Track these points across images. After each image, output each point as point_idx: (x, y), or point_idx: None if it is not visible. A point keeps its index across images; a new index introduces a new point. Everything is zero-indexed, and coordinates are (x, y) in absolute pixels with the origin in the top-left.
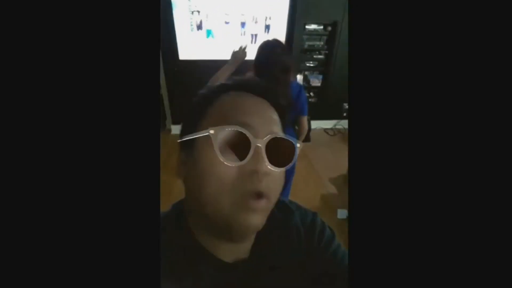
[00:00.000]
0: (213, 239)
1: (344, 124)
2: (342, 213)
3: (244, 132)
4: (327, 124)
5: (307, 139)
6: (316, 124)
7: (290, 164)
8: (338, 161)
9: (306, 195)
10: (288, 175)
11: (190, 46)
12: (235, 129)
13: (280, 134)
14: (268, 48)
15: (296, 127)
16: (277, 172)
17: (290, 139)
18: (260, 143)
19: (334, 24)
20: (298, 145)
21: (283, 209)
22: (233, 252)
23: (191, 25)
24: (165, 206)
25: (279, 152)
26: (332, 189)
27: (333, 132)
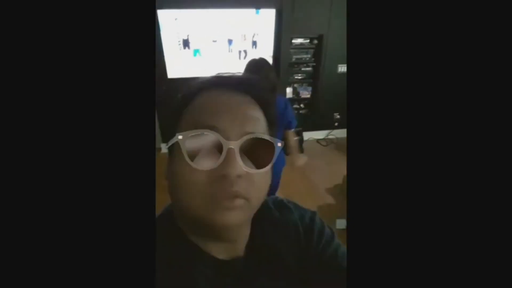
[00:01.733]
0: (204, 238)
1: (336, 133)
2: (341, 223)
3: (215, 135)
4: (319, 134)
5: (300, 150)
6: (308, 135)
7: (270, 165)
8: (333, 171)
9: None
10: (275, 176)
11: (178, 65)
12: (204, 133)
13: (259, 133)
14: (256, 67)
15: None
16: (259, 173)
17: (270, 139)
18: (233, 145)
19: (319, 38)
20: (279, 144)
21: (281, 208)
22: (228, 250)
23: (179, 44)
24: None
25: (257, 153)
26: (330, 200)
27: (326, 142)
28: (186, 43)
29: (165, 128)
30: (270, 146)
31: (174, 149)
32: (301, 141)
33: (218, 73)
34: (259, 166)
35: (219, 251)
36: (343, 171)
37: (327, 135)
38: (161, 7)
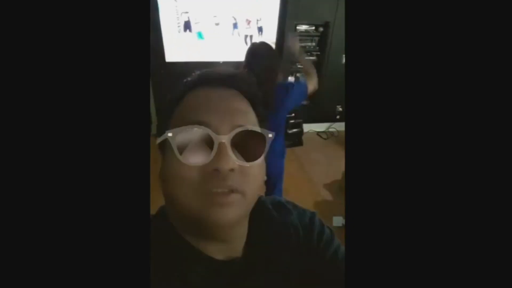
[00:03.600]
0: (200, 238)
1: (337, 127)
2: (338, 221)
3: (205, 131)
4: (320, 127)
5: (299, 142)
6: (308, 127)
7: (262, 156)
8: (332, 166)
9: (299, 202)
10: (277, 174)
11: (178, 48)
12: (194, 128)
13: (249, 126)
14: (258, 52)
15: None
16: (252, 165)
17: (260, 130)
18: (224, 139)
19: (325, 25)
20: (270, 135)
21: (280, 209)
22: (224, 250)
23: (178, 26)
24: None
25: (249, 145)
26: (327, 196)
27: (326, 135)
28: (187, 25)
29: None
30: (261, 138)
31: (166, 147)
32: (300, 133)
33: (203, 70)
34: (251, 158)
35: (215, 251)
36: (343, 166)
37: (328, 128)
38: None
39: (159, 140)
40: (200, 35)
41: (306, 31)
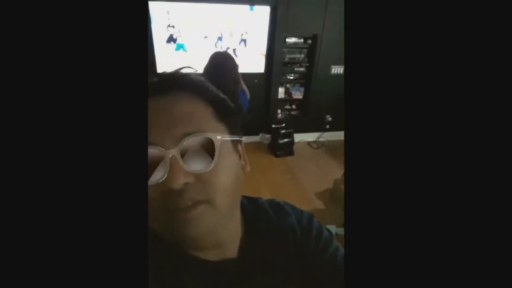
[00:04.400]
0: (187, 247)
1: (327, 136)
2: (331, 229)
3: (154, 149)
4: (310, 137)
5: (290, 152)
6: (299, 137)
7: (215, 160)
8: (324, 175)
9: None
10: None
11: (167, 59)
12: (149, 148)
13: (196, 133)
14: (220, 60)
15: None
16: (209, 171)
17: (208, 135)
18: (173, 153)
19: (314, 37)
20: (218, 137)
21: (278, 210)
22: (218, 253)
23: (169, 38)
24: None
25: (197, 153)
26: (319, 205)
27: (317, 145)
28: (170, 38)
29: None
30: (209, 142)
31: None
32: (291, 143)
33: (151, 79)
34: (206, 164)
35: (208, 255)
36: (334, 175)
37: (318, 138)
38: None
39: None
40: (181, 47)
41: (295, 43)
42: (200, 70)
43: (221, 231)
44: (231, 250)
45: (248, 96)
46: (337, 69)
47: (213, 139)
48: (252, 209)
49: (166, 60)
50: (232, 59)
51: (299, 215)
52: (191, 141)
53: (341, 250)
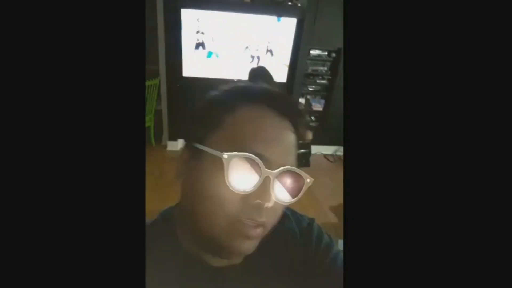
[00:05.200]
0: (205, 250)
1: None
2: (342, 244)
3: (257, 162)
4: (328, 150)
5: (306, 163)
6: (316, 149)
7: (296, 199)
8: (338, 189)
9: None
10: None
11: (194, 64)
12: (250, 157)
13: (294, 167)
14: (257, 75)
15: None
16: (284, 204)
17: (301, 174)
18: (271, 175)
19: (338, 51)
20: (308, 180)
21: None
22: (226, 260)
23: (197, 44)
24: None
25: (287, 185)
26: (333, 218)
27: (333, 158)
28: (200, 45)
29: (174, 129)
30: (301, 180)
31: (205, 157)
32: (308, 154)
33: (264, 85)
34: (287, 198)
35: (214, 260)
36: None
37: (336, 151)
38: (185, 6)
39: (204, 148)
40: (211, 54)
41: (319, 55)
42: (230, 77)
43: (252, 251)
44: (237, 257)
45: None
46: None
47: (304, 180)
48: None
49: (195, 65)
50: (268, 74)
51: (299, 220)
52: (287, 172)
53: (342, 255)
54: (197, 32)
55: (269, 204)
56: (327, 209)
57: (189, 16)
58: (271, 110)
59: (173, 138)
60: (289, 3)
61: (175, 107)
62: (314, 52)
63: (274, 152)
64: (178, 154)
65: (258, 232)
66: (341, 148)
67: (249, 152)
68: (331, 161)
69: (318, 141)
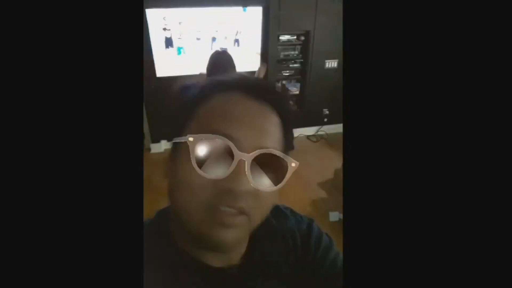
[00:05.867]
0: (198, 247)
1: (325, 129)
2: (334, 216)
3: (228, 144)
4: (309, 131)
5: (291, 146)
6: (298, 132)
7: (280, 185)
8: (325, 166)
9: (296, 201)
10: None
11: (165, 64)
12: (217, 139)
13: (273, 150)
14: (219, 58)
15: None
16: (267, 191)
17: (284, 157)
18: (245, 158)
19: (306, 34)
20: (293, 164)
21: (278, 215)
22: (223, 259)
23: (165, 42)
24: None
25: (269, 170)
26: (322, 194)
27: (316, 138)
28: (169, 42)
29: (156, 132)
30: (284, 165)
31: (180, 149)
32: (291, 137)
33: (237, 74)
34: (268, 184)
35: (213, 260)
36: (334, 165)
37: (317, 131)
38: (150, 6)
39: (176, 140)
40: (181, 49)
41: (288, 40)
42: (197, 72)
43: (242, 243)
44: (235, 256)
45: None
46: (331, 63)
47: (288, 164)
48: None
49: (166, 65)
50: (229, 56)
51: (299, 220)
52: (266, 155)
53: (341, 256)
54: (164, 29)
55: (243, 189)
56: (316, 186)
57: (155, 16)
58: (246, 96)
59: (156, 140)
60: None
61: (153, 109)
62: (283, 37)
63: (247, 135)
64: (163, 155)
65: (239, 220)
66: (322, 128)
67: (219, 134)
68: (314, 141)
69: (299, 123)
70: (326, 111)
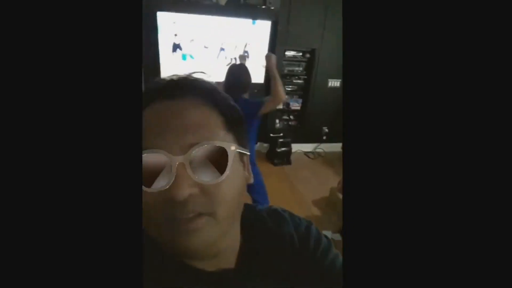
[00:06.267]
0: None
1: (324, 147)
2: (327, 235)
3: (161, 153)
4: (307, 147)
5: (287, 161)
6: (296, 147)
7: (226, 173)
8: (320, 183)
9: None
10: (257, 182)
11: (172, 67)
12: (149, 153)
13: (207, 142)
14: (236, 71)
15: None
16: (217, 183)
17: (221, 144)
18: (182, 160)
19: (312, 51)
20: (232, 148)
21: (275, 217)
22: (215, 263)
23: (174, 47)
24: None
25: (208, 163)
26: (316, 211)
27: (314, 155)
28: (176, 47)
29: None
30: (223, 151)
31: None
32: (289, 152)
33: (159, 80)
34: (215, 175)
35: (205, 265)
36: (330, 183)
37: (315, 148)
38: (161, 9)
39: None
40: (185, 57)
41: (294, 56)
42: (207, 79)
43: (220, 243)
44: (229, 259)
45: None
46: (334, 83)
47: (227, 150)
48: (250, 217)
49: (172, 68)
50: (246, 69)
51: (297, 222)
52: (201, 150)
53: (340, 258)
54: (175, 35)
55: (185, 193)
56: (310, 203)
57: (165, 19)
58: (166, 100)
59: None
60: (263, 6)
61: None
62: (289, 53)
63: (176, 137)
64: None
65: (201, 222)
66: (320, 145)
67: (151, 148)
68: (311, 158)
69: (298, 139)
70: (326, 129)
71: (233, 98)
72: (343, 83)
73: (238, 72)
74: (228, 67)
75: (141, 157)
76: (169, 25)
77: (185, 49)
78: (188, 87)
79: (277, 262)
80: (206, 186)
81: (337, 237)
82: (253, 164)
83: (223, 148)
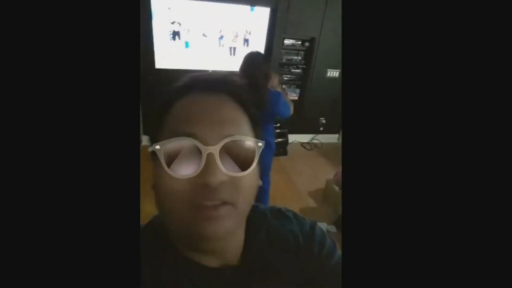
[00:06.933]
0: (193, 248)
1: (320, 138)
2: (322, 227)
3: (193, 142)
4: (304, 138)
5: (284, 152)
6: (293, 138)
7: (253, 166)
8: (316, 175)
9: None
10: (265, 168)
11: (167, 56)
12: (181, 140)
13: (238, 135)
14: (251, 59)
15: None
16: (244, 175)
17: (250, 140)
18: (212, 150)
19: (311, 40)
20: (260, 144)
21: (279, 217)
22: (219, 259)
23: (170, 34)
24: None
25: (239, 155)
26: (311, 203)
27: (310, 146)
28: (175, 34)
29: (148, 120)
30: (251, 147)
31: (155, 158)
32: (285, 143)
33: (190, 75)
34: (242, 168)
35: (209, 261)
36: (326, 175)
37: (312, 139)
38: None
39: (150, 149)
40: (187, 44)
41: (293, 45)
42: (204, 67)
43: (235, 234)
44: (232, 256)
45: (291, 107)
46: (333, 73)
47: (255, 145)
48: (253, 216)
49: (169, 57)
50: (262, 57)
51: (301, 222)
52: (232, 143)
53: None
54: (173, 22)
55: (217, 180)
56: (306, 194)
57: (159, 5)
58: (202, 93)
59: (148, 132)
60: None
61: (148, 99)
62: (288, 41)
63: (209, 128)
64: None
65: (224, 210)
66: (317, 136)
67: (183, 135)
68: (308, 149)
69: (295, 129)
70: (323, 120)
71: (259, 88)
72: (343, 74)
73: (255, 60)
74: (244, 55)
75: (139, 153)
76: (164, 11)
77: (184, 36)
78: (226, 85)
79: (280, 261)
80: (233, 177)
81: (332, 228)
82: (266, 171)
83: (252, 144)
